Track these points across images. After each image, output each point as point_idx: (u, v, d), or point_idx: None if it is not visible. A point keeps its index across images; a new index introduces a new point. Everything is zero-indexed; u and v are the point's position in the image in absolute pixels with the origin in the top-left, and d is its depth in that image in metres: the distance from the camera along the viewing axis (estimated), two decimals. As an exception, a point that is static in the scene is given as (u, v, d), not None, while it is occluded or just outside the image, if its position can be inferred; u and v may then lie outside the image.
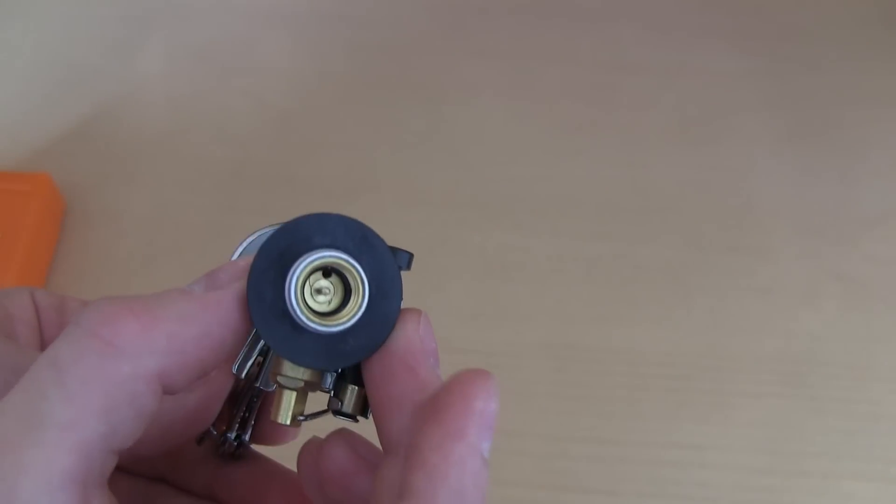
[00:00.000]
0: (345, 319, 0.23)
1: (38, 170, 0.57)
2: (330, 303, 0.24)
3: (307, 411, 0.25)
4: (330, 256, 0.23)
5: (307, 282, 0.24)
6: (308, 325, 0.23)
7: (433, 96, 0.64)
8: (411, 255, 0.24)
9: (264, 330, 0.23)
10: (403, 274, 0.24)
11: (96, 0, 0.68)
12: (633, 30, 0.71)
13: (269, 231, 0.24)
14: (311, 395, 0.25)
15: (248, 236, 0.26)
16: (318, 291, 0.24)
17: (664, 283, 0.56)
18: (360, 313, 0.23)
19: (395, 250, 0.24)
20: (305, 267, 0.23)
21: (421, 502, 0.21)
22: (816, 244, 0.58)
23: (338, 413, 0.25)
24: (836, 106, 0.67)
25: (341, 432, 0.25)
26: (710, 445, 0.48)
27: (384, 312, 0.24)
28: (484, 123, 0.62)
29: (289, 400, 0.25)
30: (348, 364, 0.24)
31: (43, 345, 0.28)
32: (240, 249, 0.26)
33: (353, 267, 0.23)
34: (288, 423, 0.25)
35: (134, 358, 0.21)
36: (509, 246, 0.57)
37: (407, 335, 0.24)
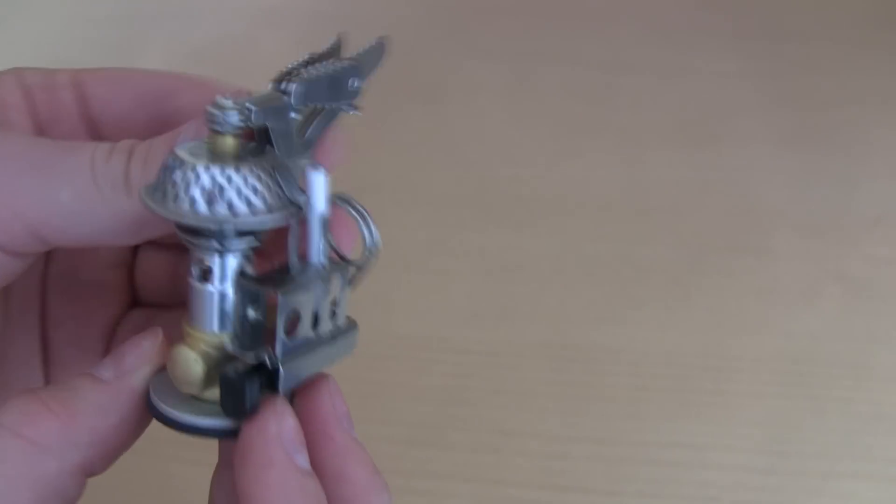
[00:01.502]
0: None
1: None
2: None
3: None
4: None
5: None
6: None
7: (433, 96, 0.64)
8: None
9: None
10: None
11: (96, 0, 0.68)
12: (633, 30, 0.71)
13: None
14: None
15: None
16: None
17: (664, 284, 0.56)
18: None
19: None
20: None
21: None
22: (816, 244, 0.58)
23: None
24: (836, 106, 0.67)
25: None
26: (711, 445, 0.48)
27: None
28: (484, 123, 0.62)
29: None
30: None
31: (37, 127, 0.28)
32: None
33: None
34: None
35: (59, 455, 0.23)
36: (509, 246, 0.57)
37: (319, 401, 0.25)
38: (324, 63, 0.26)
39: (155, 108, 0.28)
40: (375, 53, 0.27)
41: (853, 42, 0.71)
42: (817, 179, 0.62)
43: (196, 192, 0.23)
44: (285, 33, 0.69)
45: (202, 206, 0.23)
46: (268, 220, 0.24)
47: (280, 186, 0.24)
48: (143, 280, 0.32)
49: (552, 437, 0.47)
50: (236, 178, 0.23)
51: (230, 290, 0.24)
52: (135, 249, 0.32)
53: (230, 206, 0.23)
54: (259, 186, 0.24)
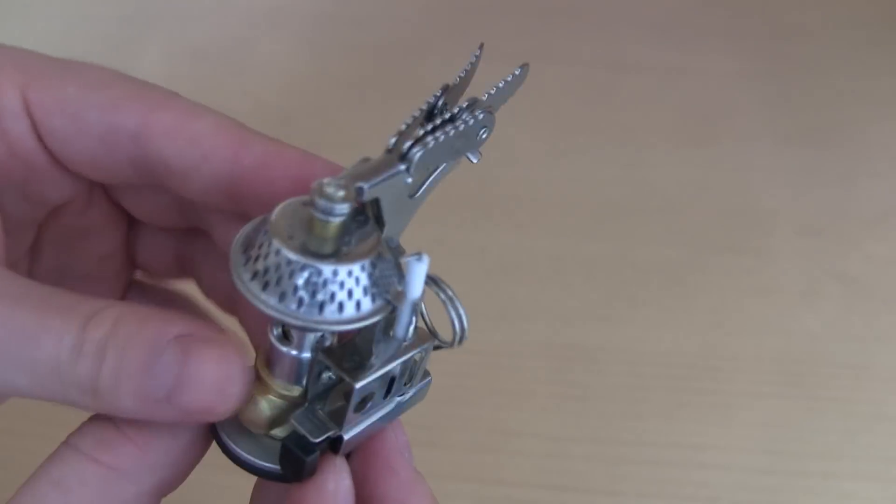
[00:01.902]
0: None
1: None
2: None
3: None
4: None
5: None
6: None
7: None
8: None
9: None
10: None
11: (96, 0, 0.68)
12: (633, 30, 0.71)
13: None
14: None
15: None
16: None
17: (664, 283, 0.56)
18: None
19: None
20: None
21: None
22: (816, 244, 0.58)
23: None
24: (836, 106, 0.67)
25: None
26: (710, 445, 0.48)
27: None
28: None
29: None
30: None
31: None
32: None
33: None
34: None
35: (136, 479, 0.23)
36: (509, 246, 0.57)
37: (385, 435, 0.25)
38: (457, 113, 0.24)
39: (124, 152, 0.26)
40: (518, 82, 0.26)
41: (854, 42, 0.71)
42: (817, 179, 0.62)
43: (306, 294, 0.22)
44: (285, 33, 0.69)
45: (311, 307, 0.22)
46: (372, 319, 0.23)
47: (384, 277, 0.23)
48: (145, 260, 0.32)
49: (552, 437, 0.47)
50: (348, 280, 0.22)
51: (308, 356, 0.24)
52: (130, 233, 0.32)
53: (340, 307, 0.22)
54: (368, 285, 0.22)
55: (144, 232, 0.32)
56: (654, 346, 0.52)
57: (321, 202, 0.22)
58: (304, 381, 0.24)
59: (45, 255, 0.30)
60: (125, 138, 0.26)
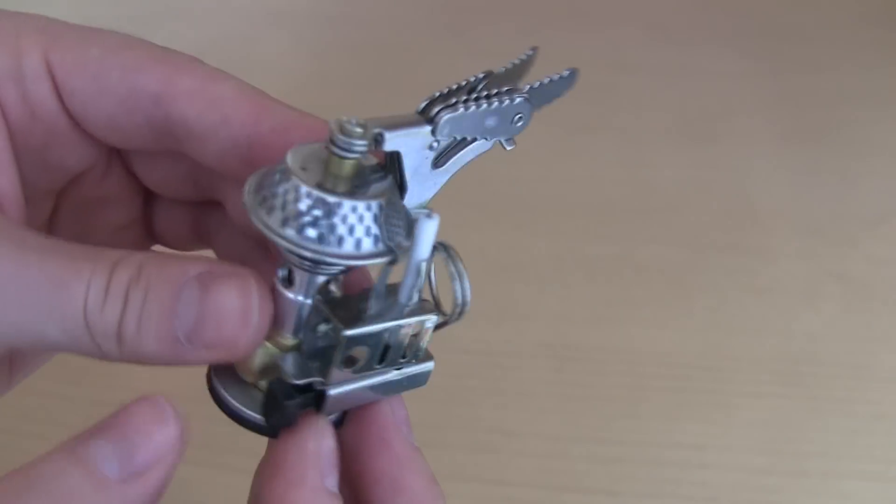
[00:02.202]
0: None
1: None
2: None
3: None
4: None
5: None
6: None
7: (433, 96, 0.64)
8: None
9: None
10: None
11: (96, 0, 0.68)
12: (633, 31, 0.71)
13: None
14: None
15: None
16: None
17: (664, 284, 0.56)
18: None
19: None
20: None
21: None
22: (816, 244, 0.58)
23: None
24: (836, 106, 0.67)
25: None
26: (710, 445, 0.48)
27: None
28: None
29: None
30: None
31: (7, 131, 0.26)
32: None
33: None
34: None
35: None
36: (509, 246, 0.57)
37: (380, 407, 0.24)
38: (493, 94, 0.24)
39: (143, 114, 0.26)
40: (563, 84, 0.26)
41: (853, 42, 0.71)
42: (817, 179, 0.62)
43: (307, 220, 0.22)
44: (286, 33, 0.69)
45: (310, 235, 0.22)
46: (371, 261, 0.23)
47: (397, 226, 0.23)
48: (162, 231, 0.32)
49: (552, 437, 0.47)
50: (351, 215, 0.22)
51: (309, 302, 0.24)
52: (147, 206, 0.32)
53: (339, 241, 0.22)
54: (372, 226, 0.22)
55: (161, 204, 0.32)
56: (654, 346, 0.52)
57: (339, 137, 0.22)
58: (301, 333, 0.24)
59: (62, 226, 0.30)
60: (146, 100, 0.26)
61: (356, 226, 0.22)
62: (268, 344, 0.24)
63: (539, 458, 0.46)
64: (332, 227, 0.22)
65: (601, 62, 0.68)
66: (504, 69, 0.25)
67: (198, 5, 0.69)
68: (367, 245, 0.22)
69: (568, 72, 0.25)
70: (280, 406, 0.23)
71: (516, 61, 0.25)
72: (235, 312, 0.22)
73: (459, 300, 0.24)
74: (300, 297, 0.24)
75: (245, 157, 0.26)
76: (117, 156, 0.30)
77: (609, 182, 0.60)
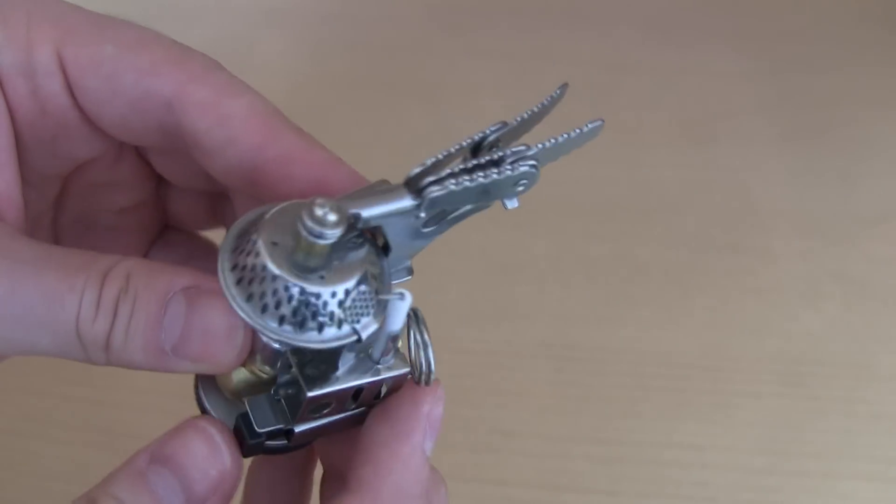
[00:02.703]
0: None
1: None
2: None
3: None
4: None
5: None
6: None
7: (433, 96, 0.64)
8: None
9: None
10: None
11: (96, 1, 0.68)
12: (633, 30, 0.71)
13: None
14: None
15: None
16: None
17: (664, 283, 0.56)
18: None
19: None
20: None
21: (366, 493, 0.23)
22: (816, 244, 0.58)
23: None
24: (836, 106, 0.67)
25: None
26: (710, 445, 0.48)
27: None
28: (484, 123, 0.62)
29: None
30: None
31: (15, 127, 0.26)
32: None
33: None
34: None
35: None
36: (509, 246, 0.57)
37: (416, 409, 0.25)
38: (496, 158, 0.23)
39: (155, 118, 0.26)
40: (554, 103, 0.25)
41: (853, 42, 0.71)
42: (817, 179, 0.62)
43: (268, 302, 0.22)
44: (285, 34, 0.69)
45: (270, 320, 0.22)
46: (333, 344, 0.23)
47: (364, 308, 0.23)
48: (176, 213, 0.32)
49: (552, 437, 0.47)
50: (313, 301, 0.22)
51: (281, 350, 0.24)
52: (160, 189, 0.31)
53: (301, 325, 0.22)
54: (336, 311, 0.22)
55: (174, 191, 0.32)
56: (654, 346, 0.52)
57: (309, 223, 0.21)
58: (276, 368, 0.24)
59: (70, 207, 0.30)
60: (158, 104, 0.26)
61: (319, 311, 0.22)
62: (245, 370, 0.24)
63: (539, 458, 0.46)
64: (295, 312, 0.22)
65: (601, 62, 0.68)
66: (525, 115, 0.24)
67: (198, 5, 0.69)
68: (330, 331, 0.22)
69: (559, 89, 0.25)
70: (243, 443, 0.24)
71: (541, 104, 0.24)
72: (221, 330, 0.22)
73: (424, 369, 0.25)
74: (275, 345, 0.24)
75: (249, 178, 0.26)
76: (129, 145, 0.29)
77: (609, 182, 0.60)
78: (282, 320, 0.22)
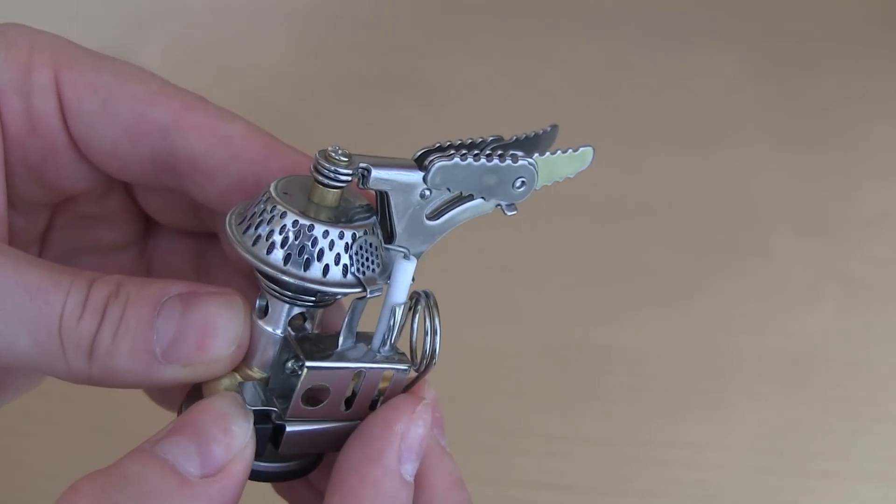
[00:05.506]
0: None
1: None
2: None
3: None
4: None
5: None
6: None
7: (433, 96, 0.64)
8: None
9: None
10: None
11: (96, 0, 0.68)
12: (633, 30, 0.71)
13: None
14: None
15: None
16: None
17: (665, 284, 0.56)
18: None
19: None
20: None
21: None
22: (816, 244, 0.58)
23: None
24: (836, 106, 0.67)
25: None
26: (711, 445, 0.48)
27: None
28: (484, 123, 0.62)
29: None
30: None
31: (4, 143, 0.26)
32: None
33: None
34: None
35: None
36: (509, 246, 0.57)
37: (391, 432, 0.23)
38: (498, 153, 0.24)
39: (148, 145, 0.26)
40: (550, 138, 0.26)
41: (853, 42, 0.71)
42: (817, 179, 0.62)
43: (276, 239, 0.22)
44: (285, 33, 0.69)
45: (276, 254, 0.22)
46: (337, 290, 0.22)
47: (370, 261, 0.23)
48: (161, 265, 0.32)
49: (552, 437, 0.47)
50: (322, 239, 0.22)
51: (280, 334, 0.24)
52: (145, 239, 0.31)
53: (306, 264, 0.22)
54: (343, 255, 0.22)
55: (161, 233, 0.31)
56: (655, 346, 0.52)
57: (324, 165, 0.22)
58: (269, 369, 0.24)
59: (56, 242, 0.30)
60: (153, 131, 0.26)
61: (326, 252, 0.22)
62: (236, 374, 0.24)
63: (539, 458, 0.46)
64: (301, 249, 0.22)
65: (601, 62, 0.68)
66: (515, 138, 0.25)
67: (198, 5, 0.69)
68: (335, 273, 0.22)
69: (550, 127, 0.26)
70: None
71: (531, 134, 0.25)
72: (221, 326, 0.22)
73: (427, 356, 0.24)
74: (272, 329, 0.24)
75: (251, 194, 0.26)
76: (118, 182, 0.29)
77: (609, 182, 0.60)
78: (287, 259, 0.22)
